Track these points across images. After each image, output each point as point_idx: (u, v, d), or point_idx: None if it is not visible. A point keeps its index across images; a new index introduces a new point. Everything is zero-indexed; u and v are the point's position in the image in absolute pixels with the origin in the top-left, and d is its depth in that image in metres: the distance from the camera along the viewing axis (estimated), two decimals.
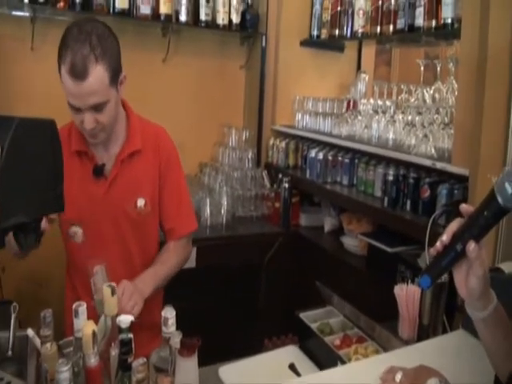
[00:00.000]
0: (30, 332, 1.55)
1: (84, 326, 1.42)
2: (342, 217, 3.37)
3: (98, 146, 2.00)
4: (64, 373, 1.27)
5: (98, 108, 1.80)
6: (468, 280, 1.17)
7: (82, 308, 1.49)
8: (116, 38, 1.86)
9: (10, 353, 1.61)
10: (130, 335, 1.39)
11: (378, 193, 3.00)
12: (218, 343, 2.32)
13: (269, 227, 3.63)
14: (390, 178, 2.79)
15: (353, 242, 3.19)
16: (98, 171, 1.99)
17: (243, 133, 3.93)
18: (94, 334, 1.40)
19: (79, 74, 1.72)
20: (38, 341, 1.52)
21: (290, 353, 2.15)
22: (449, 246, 1.18)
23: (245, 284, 3.41)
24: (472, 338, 1.69)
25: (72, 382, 1.30)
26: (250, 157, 3.84)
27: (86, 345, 1.39)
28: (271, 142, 4.01)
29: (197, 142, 3.89)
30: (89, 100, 1.77)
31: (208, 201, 3.41)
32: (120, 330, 1.44)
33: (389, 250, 2.72)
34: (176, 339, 1.49)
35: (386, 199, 2.82)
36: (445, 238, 1.18)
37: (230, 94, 4.17)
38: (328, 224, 3.57)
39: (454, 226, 1.19)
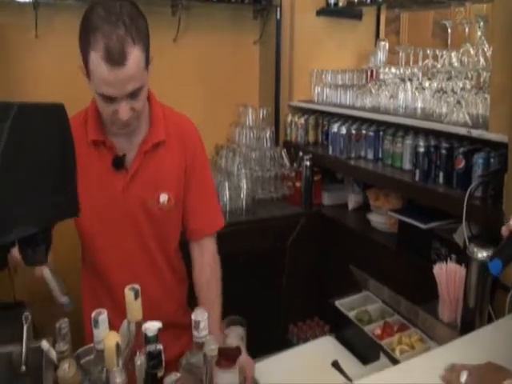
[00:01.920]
0: (45, 345, 1.37)
1: (106, 338, 1.25)
2: (368, 193, 3.22)
3: (118, 136, 1.81)
4: None
5: (134, 95, 1.63)
6: None
7: (103, 317, 1.30)
8: (144, 16, 1.66)
9: (23, 368, 1.44)
10: (160, 346, 1.22)
11: (407, 166, 2.84)
12: None
13: (290, 208, 3.51)
14: (421, 149, 2.62)
15: (381, 220, 3.04)
16: (119, 163, 1.81)
17: (260, 111, 3.77)
18: (117, 346, 1.23)
19: (117, 59, 1.53)
20: (53, 354, 1.35)
21: (327, 345, 2.01)
22: None
23: (268, 269, 3.29)
24: None
25: None
26: (267, 136, 3.68)
27: (109, 359, 1.23)
28: (289, 118, 3.86)
29: (212, 124, 3.71)
30: (127, 87, 1.59)
31: (226, 185, 3.26)
32: (146, 340, 1.27)
33: (422, 226, 2.56)
34: (211, 346, 1.31)
35: (417, 172, 2.64)
36: None
37: (245, 71, 4.03)
38: (352, 201, 3.45)
39: None
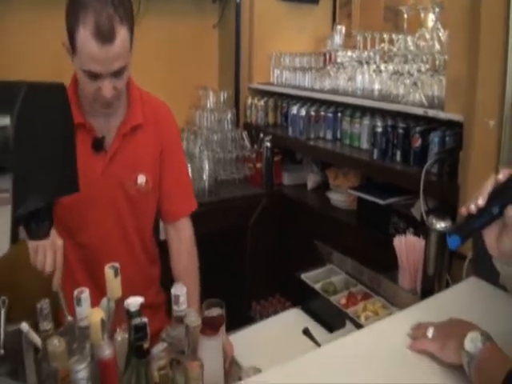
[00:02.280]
0: (25, 326, 1.42)
1: (91, 315, 1.30)
2: (327, 172, 3.30)
3: (97, 118, 1.82)
4: (81, 372, 1.15)
5: (118, 73, 1.66)
6: (501, 241, 1.17)
7: (85, 295, 1.35)
8: None
9: (1, 351, 1.46)
10: (145, 319, 1.28)
11: (365, 145, 2.94)
12: None
13: (252, 189, 3.55)
14: (379, 129, 2.73)
15: (340, 198, 3.13)
16: (98, 145, 1.82)
17: (220, 94, 3.81)
18: (102, 322, 1.27)
19: (107, 36, 1.56)
20: (34, 335, 1.40)
21: (296, 316, 2.08)
22: (483, 207, 1.16)
23: (231, 248, 3.33)
24: (489, 285, 1.61)
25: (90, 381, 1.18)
26: (228, 118, 3.73)
27: (95, 335, 1.27)
28: (249, 101, 3.91)
29: (172, 107, 3.72)
30: (114, 64, 1.62)
31: (189, 166, 3.28)
32: (129, 315, 1.30)
33: (381, 202, 2.66)
34: (192, 318, 1.39)
35: (375, 151, 2.75)
36: (481, 201, 1.16)
37: (204, 54, 4.03)
38: (311, 181, 3.51)
39: (489, 187, 1.17)
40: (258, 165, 3.58)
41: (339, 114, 3.17)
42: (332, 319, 1.94)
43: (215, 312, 1.62)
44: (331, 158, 3.16)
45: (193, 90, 3.89)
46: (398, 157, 2.64)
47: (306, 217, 3.33)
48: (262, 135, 3.57)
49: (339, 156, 3.03)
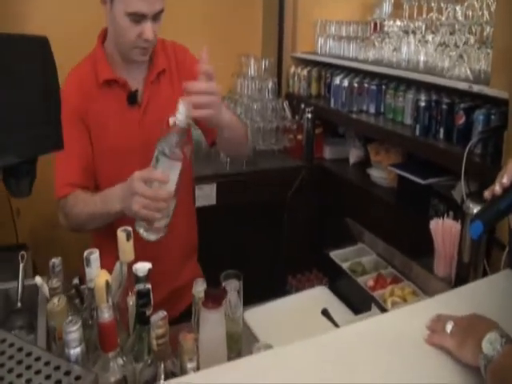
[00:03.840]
0: (39, 280, 1.45)
1: (97, 276, 1.32)
2: (368, 148, 3.24)
3: (128, 72, 1.91)
4: (73, 333, 1.16)
5: (157, 17, 1.77)
6: None
7: (94, 256, 1.37)
8: None
9: (19, 304, 1.52)
10: (148, 285, 1.29)
11: (408, 120, 2.86)
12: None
13: (291, 161, 3.53)
14: (422, 103, 2.64)
15: (381, 174, 3.07)
16: (133, 98, 1.91)
17: (262, 62, 3.76)
18: (107, 284, 1.29)
19: None
20: (46, 289, 1.42)
21: (320, 294, 2.06)
22: (509, 187, 1.08)
23: (267, 221, 3.34)
24: None
25: (83, 342, 1.20)
26: (269, 87, 3.69)
27: (98, 297, 1.29)
28: (292, 70, 3.87)
29: (215, 74, 3.70)
30: (156, 5, 1.74)
31: None
32: (137, 279, 1.33)
33: (421, 181, 2.59)
34: (199, 288, 1.39)
35: (417, 127, 2.67)
36: (505, 180, 1.09)
37: (248, 21, 3.99)
38: (353, 156, 3.46)
39: None
40: (299, 136, 3.56)
41: (383, 87, 3.10)
42: (358, 301, 1.92)
43: (233, 284, 1.63)
44: (373, 132, 3.09)
45: (236, 57, 3.85)
46: (441, 134, 2.56)
47: (345, 192, 3.30)
48: (303, 106, 3.53)
49: (381, 131, 2.96)
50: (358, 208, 3.07)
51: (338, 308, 1.94)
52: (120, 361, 1.20)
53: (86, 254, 1.37)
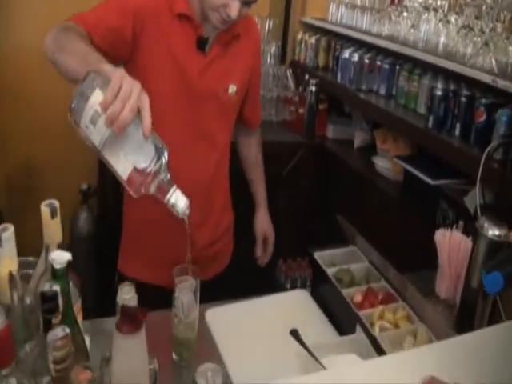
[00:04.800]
0: None
1: (1, 264, 1.11)
2: (375, 133, 3.07)
3: (203, 19, 1.86)
4: None
5: (248, 3, 1.76)
6: None
7: (8, 234, 1.15)
8: None
9: None
10: (55, 287, 1.06)
11: (422, 109, 2.67)
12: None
13: (291, 135, 3.45)
14: (438, 92, 2.45)
15: (386, 165, 2.91)
16: (202, 43, 1.87)
17: (266, 22, 3.60)
18: (11, 277, 1.10)
19: None
20: None
21: (298, 300, 1.91)
22: None
23: None
24: None
25: None
26: (273, 51, 3.57)
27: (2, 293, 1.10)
28: (299, 36, 3.72)
29: None
30: None
31: None
32: (53, 274, 1.09)
33: (430, 181, 2.42)
34: (126, 294, 1.16)
35: (430, 118, 2.48)
36: None
37: None
38: (358, 139, 3.30)
39: None
40: (301, 110, 3.46)
41: (397, 67, 2.91)
42: (341, 316, 1.75)
43: (188, 283, 1.48)
44: (381, 117, 2.91)
45: None
46: (457, 130, 2.37)
47: (346, 178, 3.16)
48: (307, 77, 3.41)
49: (390, 117, 2.77)
50: (358, 197, 2.95)
51: (315, 321, 1.79)
52: (14, 382, 1.00)
53: None
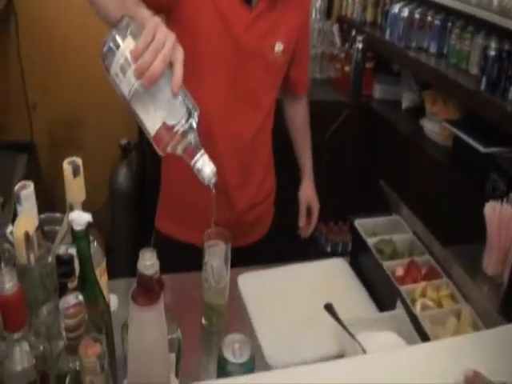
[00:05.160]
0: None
1: (16, 224, 1.06)
2: (424, 95, 2.95)
3: None
4: None
5: None
6: None
7: (27, 192, 1.11)
8: None
9: None
10: (71, 251, 1.00)
11: (474, 70, 2.55)
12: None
13: (335, 94, 3.37)
14: (492, 52, 2.35)
15: (435, 128, 2.79)
16: None
17: None
18: (27, 238, 1.04)
19: None
20: None
21: (336, 269, 1.84)
22: None
23: None
24: None
25: None
26: (318, 6, 3.49)
27: (18, 254, 1.05)
28: None
29: None
30: None
31: None
32: (73, 236, 1.04)
33: (480, 148, 2.31)
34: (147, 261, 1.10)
35: (483, 80, 2.37)
36: None
37: None
38: (407, 100, 3.18)
39: None
40: (347, 68, 3.36)
41: (449, 24, 2.77)
42: (381, 289, 1.67)
43: (218, 248, 1.44)
44: (431, 77, 2.79)
45: None
46: (511, 94, 2.26)
47: (392, 141, 3.08)
48: (354, 33, 3.33)
49: (441, 77, 2.66)
50: (403, 163, 2.86)
51: (352, 292, 1.73)
52: (26, 346, 0.97)
53: (17, 187, 1.12)
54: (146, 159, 3.24)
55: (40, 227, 1.21)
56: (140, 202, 3.19)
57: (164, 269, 1.74)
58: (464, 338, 1.28)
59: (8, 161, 2.85)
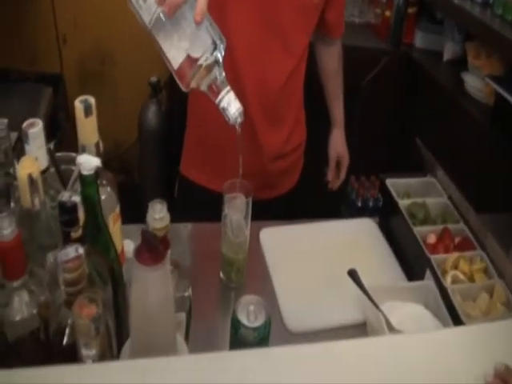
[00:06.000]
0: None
1: (20, 165, 1.01)
2: (467, 46, 2.80)
3: None
4: None
5: None
6: None
7: (36, 130, 1.06)
8: None
9: None
10: (75, 198, 0.95)
11: None
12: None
13: (374, 41, 3.23)
14: None
15: (477, 84, 2.64)
16: None
17: None
18: (31, 180, 0.99)
19: None
20: None
21: (365, 231, 1.80)
22: None
23: None
24: None
25: None
26: None
27: (22, 196, 1.01)
28: None
29: None
30: None
31: None
32: (82, 181, 0.99)
33: None
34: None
35: None
36: None
37: None
38: (449, 51, 3.02)
39: None
40: (387, 13, 3.20)
41: None
42: (410, 256, 1.62)
43: (238, 201, 1.40)
44: (475, 27, 2.62)
45: None
46: None
47: (431, 95, 2.94)
48: None
49: (485, 28, 2.49)
50: (441, 121, 2.75)
51: (379, 257, 1.69)
52: (25, 296, 0.94)
53: (25, 125, 1.07)
54: (175, 99, 3.16)
55: (54, 167, 1.19)
56: (168, 142, 3.13)
57: (186, 216, 1.67)
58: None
59: (34, 93, 2.83)
